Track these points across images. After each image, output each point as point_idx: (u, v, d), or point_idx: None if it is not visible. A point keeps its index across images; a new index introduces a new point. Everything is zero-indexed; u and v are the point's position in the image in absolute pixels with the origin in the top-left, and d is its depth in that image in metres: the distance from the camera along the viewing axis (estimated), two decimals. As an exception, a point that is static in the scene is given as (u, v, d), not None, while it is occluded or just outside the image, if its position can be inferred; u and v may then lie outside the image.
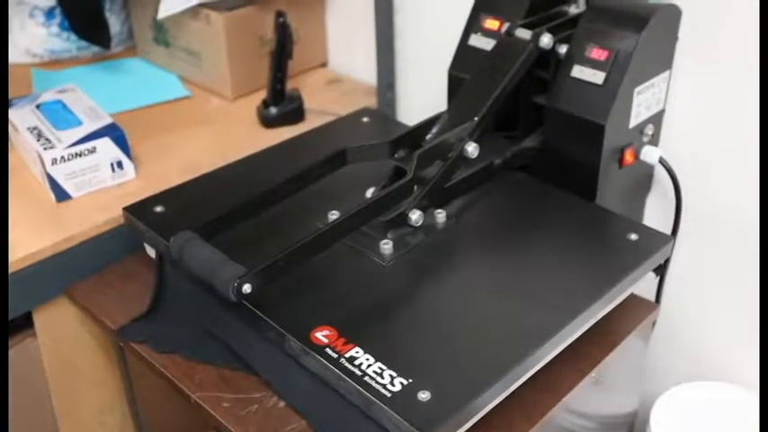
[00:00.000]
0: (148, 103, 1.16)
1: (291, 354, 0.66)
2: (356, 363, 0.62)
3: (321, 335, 0.65)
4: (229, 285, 0.62)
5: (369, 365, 0.62)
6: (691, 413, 0.94)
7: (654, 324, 0.95)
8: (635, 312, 0.83)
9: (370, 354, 0.63)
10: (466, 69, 0.91)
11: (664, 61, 0.86)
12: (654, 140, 0.90)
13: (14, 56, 1.28)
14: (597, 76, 0.81)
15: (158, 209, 0.82)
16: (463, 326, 0.67)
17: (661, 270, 0.80)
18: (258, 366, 0.71)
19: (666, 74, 0.87)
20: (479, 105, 0.81)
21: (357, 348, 0.63)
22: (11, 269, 0.84)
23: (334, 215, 0.77)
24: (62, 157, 0.91)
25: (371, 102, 1.19)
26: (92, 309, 0.86)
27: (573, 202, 0.83)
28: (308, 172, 0.77)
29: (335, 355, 0.63)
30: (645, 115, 0.86)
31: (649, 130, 0.88)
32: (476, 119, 0.80)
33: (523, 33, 0.84)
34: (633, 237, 0.76)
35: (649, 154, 0.88)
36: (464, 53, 0.93)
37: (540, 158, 0.88)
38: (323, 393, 0.66)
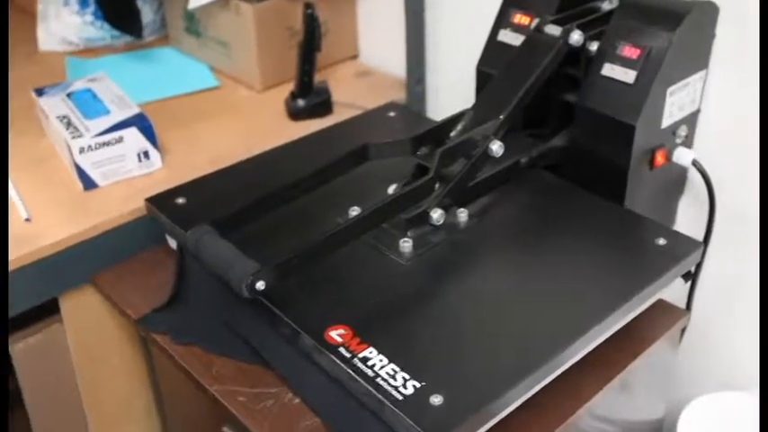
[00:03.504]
0: (178, 92, 1.17)
1: (305, 351, 0.66)
2: (369, 363, 0.62)
3: (335, 333, 0.64)
4: (243, 282, 0.62)
5: (382, 367, 0.61)
6: (718, 423, 0.92)
7: (683, 331, 0.93)
8: (663, 319, 0.81)
9: (384, 355, 0.62)
10: (494, 65, 0.89)
11: (699, 60, 0.83)
12: (687, 142, 0.87)
13: (50, 44, 1.30)
14: (628, 75, 0.79)
15: (180, 201, 0.82)
16: (481, 328, 0.66)
17: (690, 276, 0.78)
18: (274, 362, 0.71)
19: (702, 73, 0.84)
20: (505, 103, 0.79)
21: (371, 349, 0.63)
22: (38, 256, 0.85)
23: (354, 211, 0.76)
24: (89, 146, 0.92)
25: (401, 96, 1.17)
26: (115, 297, 0.87)
27: (600, 205, 0.81)
28: (328, 168, 0.76)
29: (349, 355, 0.62)
30: (678, 116, 0.84)
31: (683, 131, 0.85)
32: (501, 117, 0.78)
33: (553, 30, 0.82)
34: (661, 242, 0.74)
35: (682, 156, 0.86)
36: (493, 49, 0.91)
37: (569, 158, 0.86)
38: (337, 392, 0.65)
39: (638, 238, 0.76)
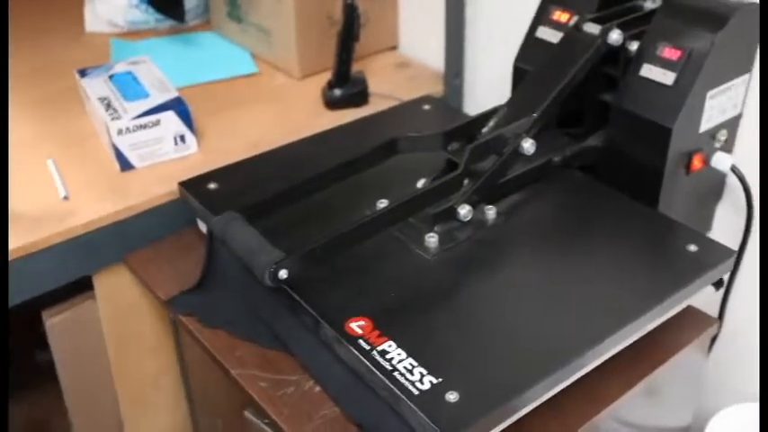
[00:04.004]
0: (218, 77, 1.18)
1: (326, 341, 0.66)
2: (387, 357, 0.62)
3: (356, 325, 0.65)
4: (266, 270, 0.62)
5: (400, 360, 0.61)
6: (745, 433, 0.90)
7: (714, 339, 0.91)
8: (692, 326, 0.80)
9: (402, 349, 0.62)
10: (532, 62, 0.88)
11: (743, 64, 0.81)
12: (727, 147, 0.85)
13: (96, 25, 1.32)
14: (667, 77, 0.77)
15: (212, 186, 0.83)
16: (503, 327, 0.66)
17: (722, 284, 0.76)
18: (296, 349, 0.72)
19: (745, 77, 0.82)
20: (540, 100, 0.78)
21: (390, 342, 0.63)
22: (73, 234, 0.87)
23: (383, 204, 0.76)
24: (127, 128, 0.94)
25: (438, 89, 1.17)
26: (145, 278, 0.88)
27: (632, 207, 0.79)
28: (357, 160, 0.76)
29: (368, 347, 0.63)
30: (718, 120, 0.82)
31: (722, 135, 0.84)
32: (534, 114, 0.77)
33: (592, 28, 0.81)
34: (693, 248, 0.73)
35: (721, 161, 0.84)
36: (531, 45, 0.90)
37: (603, 159, 0.85)
38: (356, 383, 0.66)
39: (669, 243, 0.75)
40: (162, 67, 1.07)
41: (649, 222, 0.78)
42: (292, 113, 1.10)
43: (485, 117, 0.81)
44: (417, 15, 1.23)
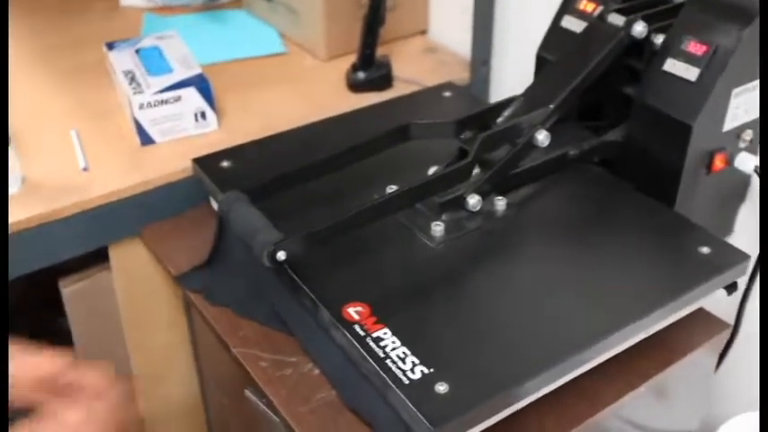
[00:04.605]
0: (245, 56, 1.18)
1: (323, 324, 0.66)
2: (381, 344, 0.62)
3: (353, 310, 0.65)
4: (264, 250, 0.62)
5: (393, 348, 0.61)
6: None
7: (729, 345, 0.89)
8: (702, 330, 0.78)
9: (397, 336, 0.62)
10: (555, 51, 0.87)
11: (772, 62, 0.78)
12: (753, 147, 0.83)
13: (130, 0, 1.33)
14: (690, 72, 0.75)
15: (225, 164, 0.83)
16: (503, 319, 0.65)
17: (735, 289, 0.74)
18: (296, 330, 0.72)
19: (774, 76, 0.79)
20: (557, 92, 0.77)
21: (386, 329, 0.63)
22: (90, 205, 0.88)
23: (391, 189, 0.76)
24: (149, 103, 0.94)
25: (464, 76, 1.15)
26: (158, 253, 0.89)
27: (647, 205, 0.78)
28: (368, 144, 0.76)
29: (363, 333, 0.63)
30: (743, 119, 0.79)
31: (747, 135, 0.81)
32: (551, 106, 0.76)
33: (616, 19, 0.79)
34: (705, 250, 0.71)
35: (744, 161, 0.81)
36: (555, 35, 0.88)
37: (623, 154, 0.83)
38: (351, 367, 0.66)
39: (681, 243, 0.73)
40: (190, 44, 1.07)
41: (663, 221, 0.76)
42: (316, 95, 1.09)
43: (501, 106, 0.80)
44: (447, 0, 1.22)
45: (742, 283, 0.82)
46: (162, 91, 0.95)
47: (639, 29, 0.77)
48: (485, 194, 0.75)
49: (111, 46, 1.07)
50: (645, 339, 0.73)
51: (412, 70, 1.15)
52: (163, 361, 1.05)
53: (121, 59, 1.03)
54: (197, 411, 1.10)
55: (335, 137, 0.84)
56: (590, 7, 0.85)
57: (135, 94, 0.95)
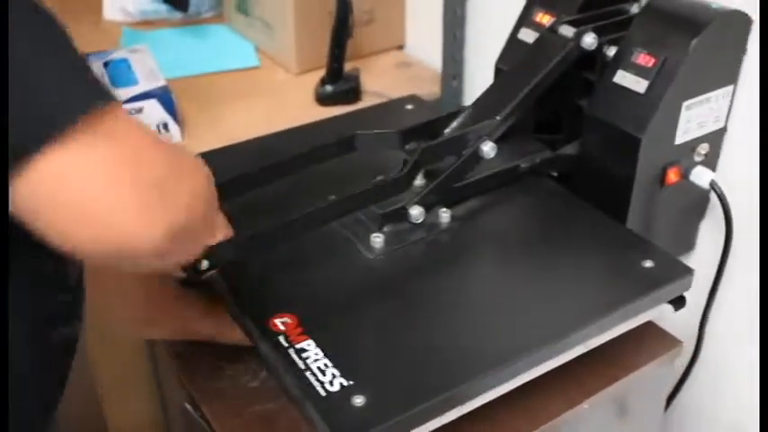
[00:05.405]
0: (217, 69, 1.18)
1: (249, 334, 0.65)
2: (303, 355, 0.60)
3: (280, 321, 0.63)
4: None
5: (315, 360, 0.60)
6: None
7: (691, 365, 0.87)
8: (651, 346, 0.76)
9: (320, 348, 0.61)
10: (511, 63, 0.86)
11: (725, 75, 0.77)
12: (709, 161, 0.81)
13: (112, 14, 1.35)
14: (640, 84, 0.74)
15: None
16: (433, 332, 0.64)
17: (683, 304, 0.72)
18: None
19: (728, 89, 0.78)
20: (505, 103, 0.76)
21: (310, 341, 0.61)
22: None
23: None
24: (109, 114, 0.95)
25: (435, 90, 1.15)
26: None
27: (596, 218, 0.76)
28: (313, 152, 0.75)
29: (286, 345, 0.61)
30: (697, 133, 0.78)
31: (702, 149, 0.79)
32: (498, 117, 0.75)
33: (567, 30, 0.78)
34: (648, 263, 0.69)
35: (700, 176, 0.79)
36: (512, 47, 0.87)
37: (577, 168, 0.82)
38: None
39: (626, 256, 0.71)
40: (164, 58, 1.08)
41: (611, 235, 0.74)
42: (283, 108, 1.09)
43: (449, 117, 0.79)
44: (422, 15, 1.21)
45: (695, 296, 0.80)
46: (124, 102, 0.95)
47: (589, 40, 0.76)
48: (429, 206, 0.73)
49: (80, 58, 1.07)
50: (590, 355, 0.71)
51: (383, 84, 1.15)
52: (126, 375, 1.05)
53: (88, 71, 1.03)
54: (159, 426, 1.09)
55: (291, 147, 0.83)
56: (546, 19, 0.84)
57: (96, 104, 0.95)
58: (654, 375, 0.76)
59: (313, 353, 0.61)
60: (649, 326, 0.76)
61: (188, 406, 0.75)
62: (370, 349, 0.62)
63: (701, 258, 0.88)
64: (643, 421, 0.82)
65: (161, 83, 1.00)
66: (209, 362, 0.75)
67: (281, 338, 0.62)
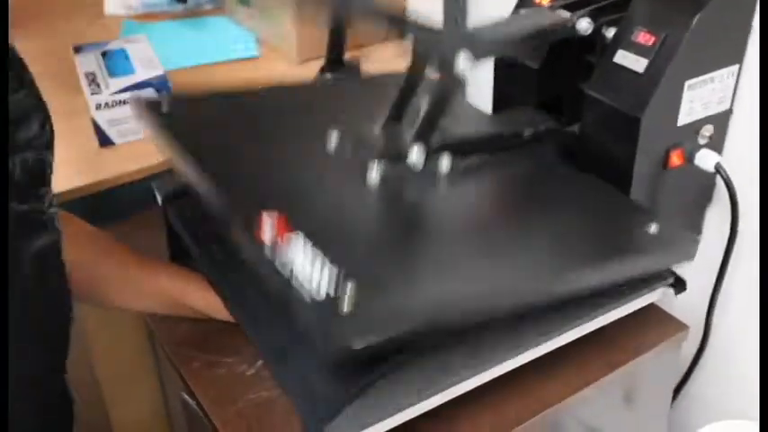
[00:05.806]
0: (217, 60, 1.17)
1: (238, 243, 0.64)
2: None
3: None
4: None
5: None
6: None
7: (701, 352, 0.86)
8: (657, 331, 0.75)
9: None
10: (510, 47, 0.84)
11: (730, 54, 0.75)
12: (714, 144, 0.79)
13: (113, 7, 1.34)
14: (639, 63, 0.72)
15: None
16: (425, 255, 0.63)
17: (682, 288, 0.71)
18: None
19: (733, 68, 0.76)
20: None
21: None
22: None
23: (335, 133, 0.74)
24: (106, 103, 0.94)
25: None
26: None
27: (601, 186, 0.75)
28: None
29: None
30: (701, 114, 0.76)
31: (707, 131, 0.77)
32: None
33: (563, 14, 0.76)
34: (653, 229, 0.67)
35: (704, 159, 0.77)
36: (511, 29, 0.85)
37: (579, 147, 0.80)
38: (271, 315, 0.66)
39: (631, 221, 0.69)
40: (164, 48, 1.07)
41: (615, 202, 0.73)
42: (282, 97, 1.08)
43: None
44: (427, 5, 1.20)
45: (702, 286, 0.79)
46: (120, 91, 0.95)
47: (584, 25, 0.75)
48: (428, 145, 0.69)
49: (77, 49, 1.07)
50: (593, 338, 0.70)
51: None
52: (128, 367, 1.04)
53: (86, 62, 1.03)
54: (161, 418, 1.08)
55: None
56: (545, 2, 0.82)
57: (92, 94, 0.94)
58: (660, 361, 0.75)
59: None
60: (654, 310, 0.75)
61: (185, 395, 0.74)
62: (360, 262, 0.59)
63: (707, 244, 0.86)
64: (650, 410, 0.80)
65: (159, 72, 0.99)
66: (206, 351, 0.75)
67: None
